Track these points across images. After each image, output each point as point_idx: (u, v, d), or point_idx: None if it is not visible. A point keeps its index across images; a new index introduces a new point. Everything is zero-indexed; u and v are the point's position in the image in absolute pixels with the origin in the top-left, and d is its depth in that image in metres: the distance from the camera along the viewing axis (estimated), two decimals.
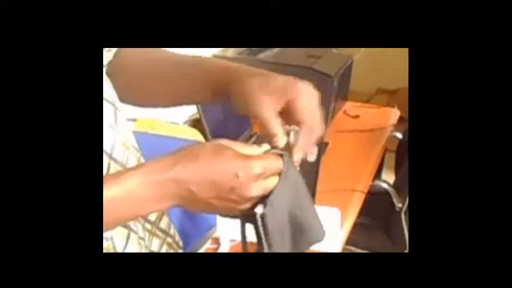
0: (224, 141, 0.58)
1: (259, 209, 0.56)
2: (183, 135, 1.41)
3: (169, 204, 0.56)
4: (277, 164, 0.58)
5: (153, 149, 0.78)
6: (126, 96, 0.72)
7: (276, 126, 0.61)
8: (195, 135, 1.45)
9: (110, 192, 0.52)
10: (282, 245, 0.58)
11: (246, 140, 1.52)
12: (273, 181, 0.58)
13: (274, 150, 0.59)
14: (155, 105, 0.81)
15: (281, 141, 0.61)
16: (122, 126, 0.68)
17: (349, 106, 1.94)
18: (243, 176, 0.55)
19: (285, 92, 0.62)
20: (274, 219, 0.57)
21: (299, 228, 0.60)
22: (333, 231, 1.23)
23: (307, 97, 0.62)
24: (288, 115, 0.63)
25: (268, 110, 0.61)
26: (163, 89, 0.74)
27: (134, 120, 1.39)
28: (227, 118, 1.49)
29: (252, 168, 0.55)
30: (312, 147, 0.62)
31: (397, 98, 2.86)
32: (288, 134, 0.61)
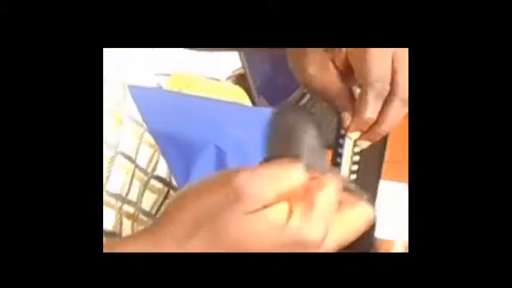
0: (245, 182, 0.40)
1: None
2: (223, 95, 1.19)
3: None
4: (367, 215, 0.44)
5: (183, 111, 0.74)
6: None
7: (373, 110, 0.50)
8: (238, 94, 1.24)
9: None
10: None
11: (298, 100, 1.30)
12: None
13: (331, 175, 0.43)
14: None
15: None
16: (113, 92, 0.61)
17: None
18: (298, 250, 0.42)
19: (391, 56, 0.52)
20: None
21: None
22: (399, 212, 1.02)
23: (406, 65, 0.52)
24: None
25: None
26: None
27: (168, 75, 1.19)
28: (276, 73, 1.27)
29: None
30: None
31: None
32: None
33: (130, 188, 0.67)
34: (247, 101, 1.25)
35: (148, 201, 0.71)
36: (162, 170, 0.74)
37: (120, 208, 0.66)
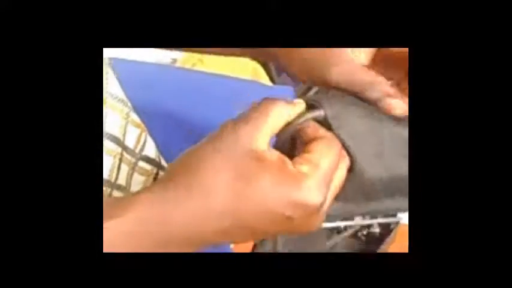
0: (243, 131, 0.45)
1: None
2: (239, 73, 1.14)
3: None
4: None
5: (197, 91, 0.72)
6: None
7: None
8: (256, 71, 1.17)
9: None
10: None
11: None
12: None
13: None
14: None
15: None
16: None
17: None
18: (298, 215, 0.43)
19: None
20: None
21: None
22: None
23: None
24: None
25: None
26: None
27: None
28: None
29: (309, 199, 0.42)
30: None
31: None
32: None
33: (119, 172, 0.67)
34: (265, 79, 1.21)
35: (138, 184, 0.71)
36: (150, 150, 0.73)
37: (110, 194, 0.65)
